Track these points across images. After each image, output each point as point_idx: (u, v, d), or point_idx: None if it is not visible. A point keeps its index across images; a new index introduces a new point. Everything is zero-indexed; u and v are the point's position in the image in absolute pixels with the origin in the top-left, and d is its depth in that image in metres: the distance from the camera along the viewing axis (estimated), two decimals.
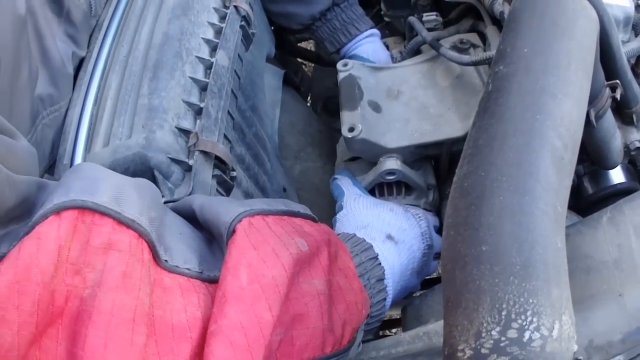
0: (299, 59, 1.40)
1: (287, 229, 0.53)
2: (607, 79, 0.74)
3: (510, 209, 0.39)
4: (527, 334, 0.38)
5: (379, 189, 0.86)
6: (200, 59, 0.75)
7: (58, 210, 0.40)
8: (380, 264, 0.67)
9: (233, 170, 0.73)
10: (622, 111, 0.83)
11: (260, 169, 0.88)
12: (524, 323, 0.38)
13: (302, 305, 0.50)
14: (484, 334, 0.38)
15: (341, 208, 0.80)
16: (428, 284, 0.96)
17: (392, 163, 0.81)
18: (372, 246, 0.67)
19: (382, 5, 1.12)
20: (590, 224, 0.61)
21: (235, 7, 0.82)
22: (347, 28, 1.03)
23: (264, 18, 1.03)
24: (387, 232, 0.74)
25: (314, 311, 0.50)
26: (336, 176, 0.86)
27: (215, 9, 0.81)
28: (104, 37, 0.74)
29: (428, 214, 0.82)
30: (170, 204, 0.59)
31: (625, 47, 0.82)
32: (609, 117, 0.77)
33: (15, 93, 0.57)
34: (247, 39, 0.85)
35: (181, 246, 0.49)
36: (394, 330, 1.32)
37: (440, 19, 0.94)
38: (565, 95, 0.47)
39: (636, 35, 0.88)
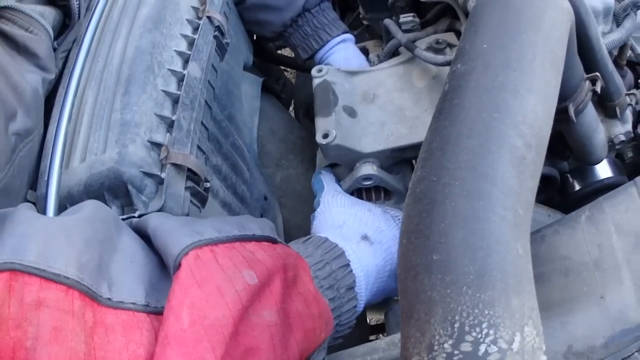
0: (281, 66, 1.36)
1: (237, 259, 0.50)
2: (587, 72, 0.72)
3: (463, 215, 0.35)
4: (482, 347, 0.34)
5: (358, 195, 0.83)
6: (173, 72, 0.72)
7: None
8: (351, 271, 0.64)
9: (207, 181, 0.70)
10: (604, 104, 0.80)
11: (238, 178, 0.85)
12: (479, 336, 0.34)
13: (251, 338, 0.47)
14: (436, 347, 0.34)
15: (319, 204, 0.77)
16: None
17: (367, 168, 0.77)
18: (344, 252, 0.65)
19: (361, 9, 1.10)
20: (568, 223, 0.57)
21: (209, 17, 0.79)
22: (318, 34, 0.99)
23: (240, 27, 1.01)
24: (363, 232, 0.70)
25: (265, 343, 0.48)
26: (320, 171, 0.83)
27: (189, 21, 0.78)
28: (78, 52, 0.72)
29: None
30: (135, 220, 0.57)
31: (605, 38, 0.80)
32: (591, 111, 0.75)
33: None
34: (221, 49, 0.82)
35: (129, 277, 0.47)
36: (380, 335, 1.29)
37: (417, 19, 0.90)
38: (528, 91, 0.43)
39: (617, 26, 0.85)
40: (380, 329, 1.21)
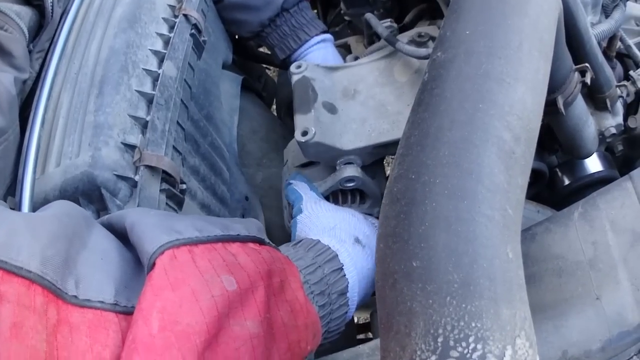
0: (263, 64, 1.31)
1: (216, 262, 0.46)
2: (576, 63, 0.67)
3: (445, 217, 0.30)
4: None
5: (333, 197, 0.78)
6: (147, 71, 0.69)
7: None
8: (344, 275, 0.59)
9: (183, 183, 0.67)
10: (594, 96, 0.75)
11: (218, 179, 0.81)
12: (466, 351, 0.29)
13: (232, 350, 0.43)
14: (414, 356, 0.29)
15: (300, 211, 0.70)
16: None
17: (352, 170, 0.73)
18: (337, 255, 0.59)
19: (342, 4, 1.06)
20: (560, 221, 0.53)
21: (185, 15, 0.75)
22: (296, 33, 0.95)
23: (219, 25, 0.97)
24: (355, 235, 0.65)
25: (247, 356, 0.43)
26: (291, 181, 0.77)
27: (165, 19, 0.76)
28: (51, 55, 0.68)
29: None
30: (106, 216, 0.52)
31: (595, 29, 0.75)
32: (580, 104, 0.71)
33: None
34: (198, 47, 0.79)
35: (98, 274, 0.43)
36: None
37: (395, 25, 0.86)
38: (515, 79, 0.39)
39: (606, 17, 0.80)
40: (367, 328, 1.16)
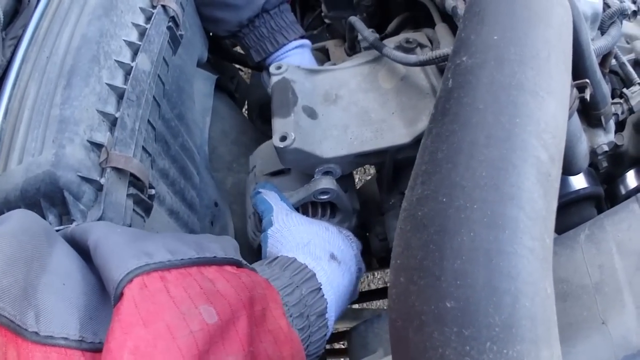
0: (236, 65, 1.26)
1: (193, 290, 0.40)
2: (575, 79, 0.63)
3: (485, 249, 0.25)
4: None
5: (303, 209, 0.73)
6: (120, 63, 0.63)
7: None
8: (322, 296, 0.55)
9: (152, 187, 0.61)
10: (589, 113, 0.71)
11: (187, 183, 0.76)
12: None
13: None
14: None
15: (271, 224, 0.64)
16: None
17: (328, 182, 0.68)
18: (314, 275, 0.55)
19: (323, 7, 1.04)
20: (566, 243, 0.50)
21: (163, 6, 0.70)
22: (274, 36, 0.92)
23: (196, 20, 0.91)
24: (330, 251, 0.61)
25: None
26: (259, 190, 0.71)
27: (142, 9, 0.70)
28: (20, 41, 0.61)
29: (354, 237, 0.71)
30: (69, 229, 0.46)
31: (592, 44, 0.71)
32: (575, 120, 0.67)
33: None
34: (174, 41, 0.73)
35: (60, 305, 0.37)
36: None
37: (376, 34, 0.80)
38: (548, 93, 0.34)
39: (602, 34, 0.78)
40: (339, 337, 1.11)
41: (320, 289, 0.54)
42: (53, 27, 0.65)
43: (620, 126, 0.87)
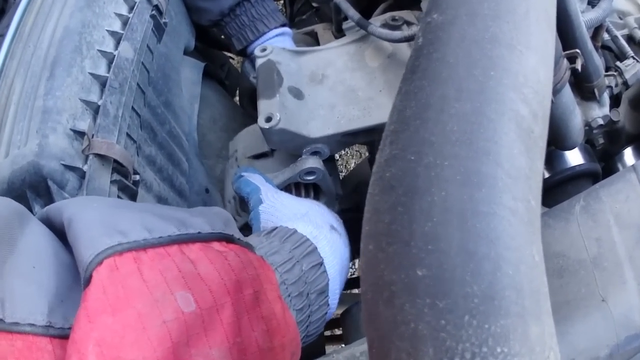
0: (226, 53, 1.22)
1: (170, 274, 0.35)
2: (565, 49, 0.58)
3: (459, 209, 0.21)
4: None
5: (287, 191, 0.68)
6: (103, 53, 0.61)
7: None
8: (324, 272, 0.48)
9: (136, 173, 0.58)
10: (582, 85, 0.68)
11: (176, 169, 0.72)
12: None
13: None
14: None
15: (261, 201, 0.58)
16: None
17: (314, 161, 0.63)
18: (316, 249, 0.48)
19: None
20: (560, 215, 0.45)
21: None
22: (255, 24, 0.87)
23: (182, 8, 0.87)
24: (329, 222, 0.54)
25: None
26: (242, 173, 0.65)
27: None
28: (4, 36, 0.60)
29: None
30: (45, 209, 0.40)
31: (582, 16, 0.66)
32: (567, 92, 0.63)
33: None
34: (158, 29, 0.71)
35: (28, 288, 0.33)
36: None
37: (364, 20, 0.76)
38: (527, 48, 0.30)
39: (592, 7, 0.73)
40: (336, 324, 1.06)
41: (322, 263, 0.48)
42: (37, 22, 0.62)
43: (615, 102, 0.82)
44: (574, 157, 0.77)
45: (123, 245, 0.34)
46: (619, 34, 0.79)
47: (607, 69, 0.79)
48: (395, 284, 0.23)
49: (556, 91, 0.61)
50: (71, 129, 0.53)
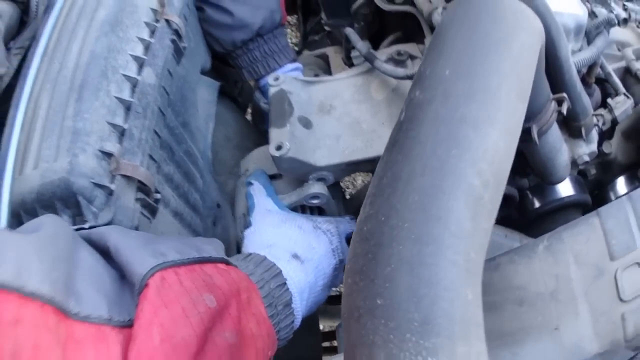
0: None
1: (198, 283, 0.54)
2: (555, 92, 0.71)
3: (409, 260, 0.34)
4: None
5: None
6: (127, 77, 0.70)
7: None
8: (287, 289, 0.68)
9: (157, 192, 0.70)
10: (570, 124, 0.79)
11: (191, 186, 0.82)
12: None
13: (216, 358, 0.51)
14: None
15: (250, 224, 0.78)
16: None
17: (319, 187, 0.77)
18: (281, 272, 0.68)
19: (323, 14, 1.11)
20: (524, 252, 0.56)
21: (167, 20, 0.77)
22: (267, 60, 1.00)
23: (199, 29, 0.98)
24: (293, 251, 0.73)
25: None
26: (252, 181, 0.82)
27: (147, 23, 0.76)
28: (33, 54, 0.70)
29: (342, 224, 0.81)
30: (86, 232, 0.57)
31: (575, 56, 0.79)
32: (555, 132, 0.74)
33: None
34: (178, 53, 0.81)
35: (92, 292, 0.49)
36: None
37: (369, 47, 0.88)
38: (491, 124, 0.42)
39: (589, 43, 0.83)
40: (332, 336, 1.21)
41: (285, 283, 0.67)
42: (61, 40, 0.72)
43: (609, 133, 0.93)
44: (565, 188, 0.88)
45: (166, 263, 0.52)
46: (612, 69, 0.89)
47: (603, 102, 0.91)
48: (362, 308, 0.35)
49: (542, 133, 0.71)
50: (99, 150, 0.64)
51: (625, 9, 0.93)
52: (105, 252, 0.55)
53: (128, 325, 0.49)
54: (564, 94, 0.70)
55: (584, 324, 0.55)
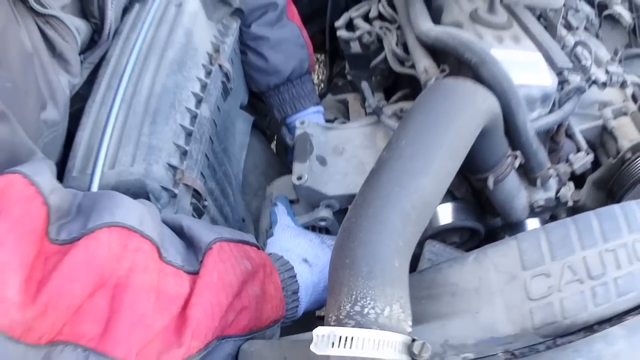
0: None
1: (240, 253, 1.02)
2: (515, 149, 1.19)
3: (364, 241, 0.80)
4: (366, 310, 0.75)
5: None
6: (189, 110, 1.21)
7: (109, 226, 0.85)
8: (296, 281, 1.17)
9: (205, 200, 1.19)
10: (528, 175, 1.27)
11: (225, 201, 1.35)
12: (365, 303, 0.75)
13: (246, 301, 0.98)
14: (341, 308, 0.77)
15: (272, 235, 1.32)
16: None
17: (326, 212, 1.33)
18: (293, 267, 1.17)
19: (346, 64, 1.73)
20: (459, 260, 1.01)
21: (220, 65, 1.36)
22: (294, 102, 1.68)
23: (242, 71, 1.64)
24: (304, 257, 1.24)
25: (253, 306, 1.00)
26: (276, 202, 1.41)
27: (204, 65, 1.31)
28: (119, 82, 1.19)
29: None
30: (162, 215, 1.01)
31: (541, 120, 1.27)
32: (512, 180, 1.24)
33: (24, 116, 0.95)
34: (226, 92, 1.39)
35: (172, 249, 0.93)
36: None
37: (380, 101, 1.51)
38: (424, 175, 0.86)
39: (560, 107, 1.32)
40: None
41: (295, 276, 1.16)
42: (135, 69, 1.21)
43: (580, 183, 1.40)
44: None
45: (223, 238, 0.99)
46: (580, 128, 1.41)
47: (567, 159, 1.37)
48: (338, 264, 0.83)
49: (498, 181, 1.18)
50: (167, 163, 1.10)
51: (607, 72, 1.46)
52: (177, 229, 1.00)
53: (193, 273, 0.92)
54: (518, 152, 1.17)
55: (499, 312, 0.94)
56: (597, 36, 1.75)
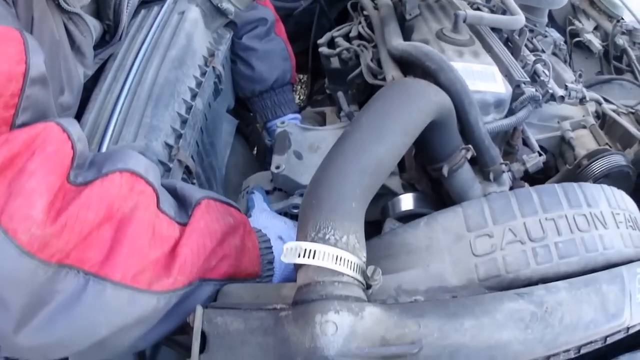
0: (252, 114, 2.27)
1: (225, 210, 1.22)
2: (467, 144, 1.41)
3: (328, 187, 1.01)
4: (327, 236, 0.95)
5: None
6: (185, 101, 1.48)
7: (121, 171, 1.07)
8: (272, 252, 1.34)
9: (194, 179, 1.42)
10: (482, 169, 1.51)
11: (210, 189, 1.58)
12: (326, 231, 0.96)
13: (227, 251, 1.17)
14: (307, 234, 0.97)
15: (250, 217, 1.49)
16: None
17: (300, 200, 1.53)
18: (269, 239, 1.35)
19: (326, 79, 2.06)
20: (412, 224, 1.23)
21: (213, 67, 1.63)
22: (275, 109, 1.98)
23: (230, 77, 1.91)
24: (279, 234, 1.43)
25: (233, 256, 1.19)
26: (253, 190, 1.64)
27: (200, 66, 1.59)
28: (127, 74, 1.51)
29: None
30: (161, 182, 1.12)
31: (495, 122, 1.54)
32: (466, 172, 1.46)
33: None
34: (217, 92, 1.65)
35: (167, 203, 1.12)
36: None
37: (353, 108, 1.77)
38: (379, 144, 1.06)
39: (514, 114, 1.57)
40: None
41: (271, 247, 1.34)
42: (142, 63, 1.52)
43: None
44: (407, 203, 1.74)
45: (210, 196, 1.21)
46: (531, 135, 1.67)
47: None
48: (307, 202, 1.13)
49: (452, 171, 1.42)
50: (164, 142, 1.34)
51: (566, 87, 1.73)
52: (171, 191, 1.18)
53: (183, 225, 1.13)
54: (470, 146, 1.40)
55: (447, 265, 1.14)
56: (565, 61, 2.04)
